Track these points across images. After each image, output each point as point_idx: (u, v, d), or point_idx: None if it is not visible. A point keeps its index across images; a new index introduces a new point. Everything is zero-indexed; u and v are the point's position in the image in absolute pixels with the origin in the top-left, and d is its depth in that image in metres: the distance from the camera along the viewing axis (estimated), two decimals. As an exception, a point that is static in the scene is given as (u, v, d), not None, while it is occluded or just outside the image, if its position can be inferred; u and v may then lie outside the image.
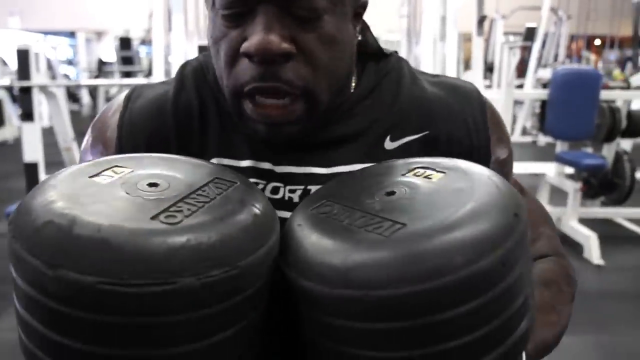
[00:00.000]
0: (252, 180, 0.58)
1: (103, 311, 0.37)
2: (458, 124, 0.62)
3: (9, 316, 2.33)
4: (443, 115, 0.62)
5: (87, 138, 0.65)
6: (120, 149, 0.60)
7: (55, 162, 4.22)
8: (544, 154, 4.99)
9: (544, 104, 3.39)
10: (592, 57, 7.21)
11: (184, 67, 0.65)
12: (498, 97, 3.45)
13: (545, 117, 3.33)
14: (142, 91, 0.64)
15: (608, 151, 3.43)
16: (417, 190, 0.47)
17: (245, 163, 0.59)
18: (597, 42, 11.62)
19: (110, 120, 0.63)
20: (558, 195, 3.59)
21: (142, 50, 9.90)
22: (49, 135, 4.15)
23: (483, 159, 0.61)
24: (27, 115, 3.20)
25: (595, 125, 3.22)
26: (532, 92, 4.61)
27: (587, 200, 3.59)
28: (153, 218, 0.40)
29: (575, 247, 3.13)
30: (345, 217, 0.46)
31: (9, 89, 3.88)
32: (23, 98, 3.19)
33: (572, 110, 3.18)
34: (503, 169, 0.63)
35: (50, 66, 6.23)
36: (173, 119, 0.61)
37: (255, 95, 0.53)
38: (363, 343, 0.41)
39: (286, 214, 0.57)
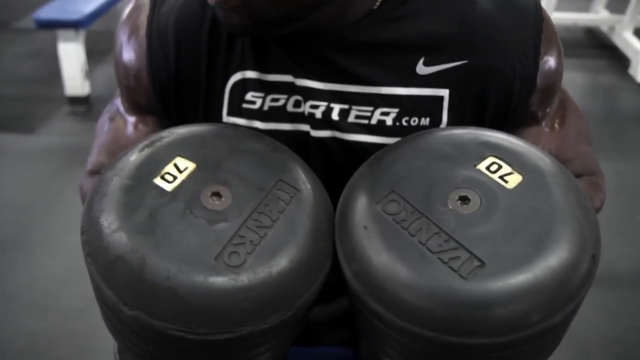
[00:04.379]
0: (272, 95, 0.58)
1: (171, 350, 0.43)
2: (504, 53, 0.56)
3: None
4: (489, 42, 0.56)
5: (119, 39, 0.62)
6: (151, 59, 0.59)
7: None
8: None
9: None
10: None
11: None
12: None
13: None
14: None
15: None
16: (494, 203, 0.45)
17: (267, 77, 0.58)
18: None
19: (140, 21, 0.60)
20: (618, 1, 3.25)
21: None
22: None
23: (525, 90, 0.58)
24: None
25: None
26: None
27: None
28: (217, 258, 0.43)
29: (622, 62, 2.96)
30: (416, 229, 0.44)
31: None
32: None
33: None
34: (550, 82, 0.59)
35: None
36: (202, 26, 0.58)
37: None
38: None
39: (306, 127, 0.59)
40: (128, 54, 0.61)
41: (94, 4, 2.45)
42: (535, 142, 0.61)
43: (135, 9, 0.61)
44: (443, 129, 0.55)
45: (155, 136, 0.51)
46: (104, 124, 0.69)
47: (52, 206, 1.96)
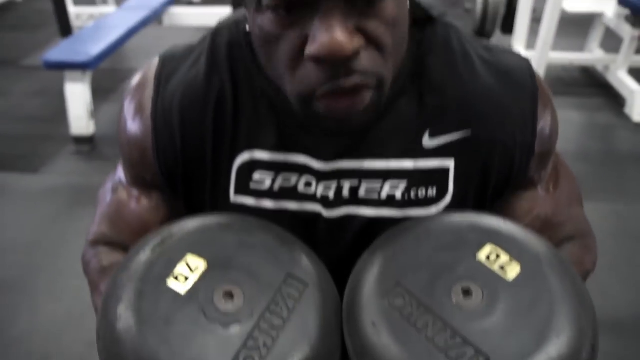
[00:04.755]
0: (284, 175, 0.59)
1: None
2: (505, 124, 0.59)
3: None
4: (490, 113, 0.58)
5: (124, 116, 0.63)
6: (157, 139, 0.60)
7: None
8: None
9: None
10: None
11: (215, 36, 0.60)
12: None
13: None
14: (173, 68, 0.61)
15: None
16: (495, 296, 0.47)
17: (278, 156, 0.59)
18: None
19: (145, 100, 0.61)
20: (611, 40, 3.32)
21: None
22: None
23: (525, 157, 0.60)
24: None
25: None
26: None
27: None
28: None
29: (617, 101, 3.01)
30: (422, 325, 0.46)
31: None
32: None
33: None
34: (547, 148, 0.62)
35: None
36: (207, 107, 0.59)
37: (329, 94, 0.48)
38: None
39: (317, 207, 0.60)
40: (133, 132, 0.62)
41: (101, 46, 2.50)
42: (532, 206, 0.64)
43: (140, 87, 0.62)
44: (442, 216, 0.57)
45: (165, 232, 0.53)
46: (106, 194, 0.70)
47: (55, 248, 1.97)
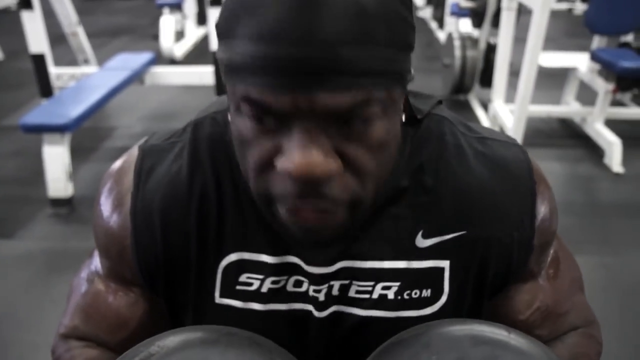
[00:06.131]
0: (272, 278, 0.55)
1: None
2: (502, 221, 0.56)
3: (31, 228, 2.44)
4: (485, 212, 0.55)
5: (102, 208, 0.59)
6: (136, 239, 0.56)
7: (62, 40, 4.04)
8: (579, 29, 4.58)
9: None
10: None
11: (196, 129, 0.58)
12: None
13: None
14: (153, 163, 0.57)
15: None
16: None
17: (266, 258, 0.56)
18: None
19: (124, 195, 0.58)
20: (587, 92, 3.42)
21: None
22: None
23: (523, 253, 0.57)
24: (26, 2, 2.99)
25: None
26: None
27: (618, 93, 3.40)
28: None
29: (596, 151, 3.07)
30: None
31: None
32: (18, -17, 2.97)
33: None
34: (546, 240, 0.59)
35: None
36: (190, 206, 0.56)
37: (294, 209, 0.45)
38: None
39: (307, 307, 0.57)
40: (111, 226, 0.58)
41: (81, 108, 2.48)
42: (533, 298, 0.61)
43: (120, 177, 0.59)
44: (441, 326, 0.52)
45: (144, 352, 0.48)
46: (81, 284, 0.65)
47: (28, 320, 1.87)
